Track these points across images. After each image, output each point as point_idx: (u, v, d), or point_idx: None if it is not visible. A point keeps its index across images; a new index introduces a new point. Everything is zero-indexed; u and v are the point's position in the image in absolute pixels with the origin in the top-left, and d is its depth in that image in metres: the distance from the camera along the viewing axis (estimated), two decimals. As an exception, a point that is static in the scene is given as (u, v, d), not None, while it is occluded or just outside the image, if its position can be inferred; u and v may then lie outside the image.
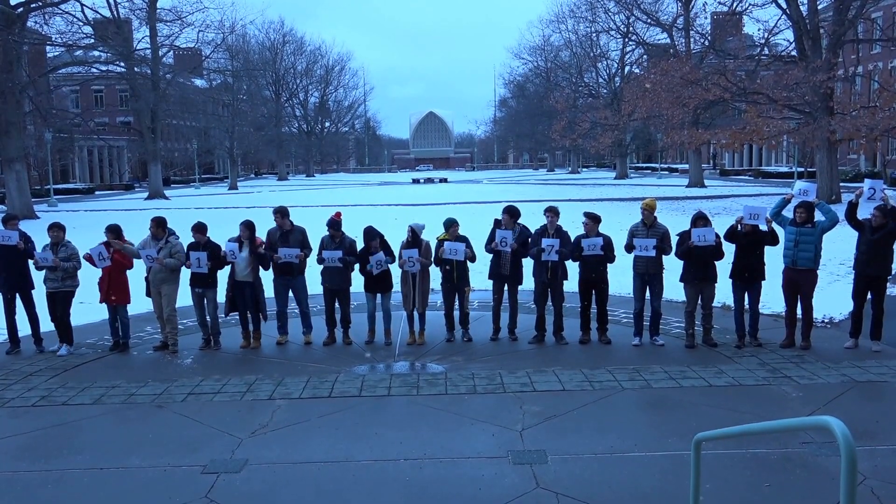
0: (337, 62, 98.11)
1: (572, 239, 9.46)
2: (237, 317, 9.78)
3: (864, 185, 9.14)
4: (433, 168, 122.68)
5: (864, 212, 9.06)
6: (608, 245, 9.28)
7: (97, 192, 60.97)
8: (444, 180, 74.96)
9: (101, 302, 9.62)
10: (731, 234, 9.10)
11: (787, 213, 9.28)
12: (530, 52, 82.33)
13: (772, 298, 9.92)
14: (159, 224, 9.53)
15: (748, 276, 9.05)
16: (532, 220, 9.68)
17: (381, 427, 6.70)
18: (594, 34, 62.14)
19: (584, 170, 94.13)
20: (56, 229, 9.59)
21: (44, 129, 40.62)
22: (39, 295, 9.75)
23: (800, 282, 8.97)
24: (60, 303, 9.47)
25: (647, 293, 9.35)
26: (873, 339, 8.86)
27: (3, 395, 7.87)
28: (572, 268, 9.70)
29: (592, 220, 9.36)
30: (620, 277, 10.92)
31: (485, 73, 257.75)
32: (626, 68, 63.70)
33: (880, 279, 8.84)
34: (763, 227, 9.00)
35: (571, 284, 9.90)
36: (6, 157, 32.47)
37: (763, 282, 9.13)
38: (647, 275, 9.25)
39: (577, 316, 9.74)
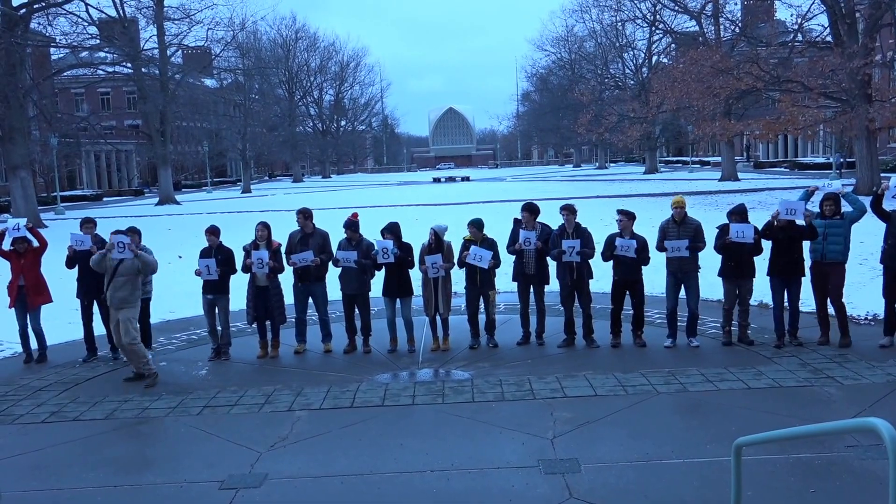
0: (352, 58, 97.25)
1: (605, 237, 9.14)
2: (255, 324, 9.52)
3: (890, 181, 8.60)
4: (455, 166, 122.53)
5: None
6: (643, 247, 8.95)
7: (105, 199, 59.06)
8: (466, 179, 74.67)
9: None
10: (768, 230, 8.80)
11: (811, 206, 8.94)
12: (553, 43, 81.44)
13: (811, 296, 9.55)
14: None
15: (787, 272, 8.72)
16: (558, 219, 9.38)
17: (406, 437, 6.51)
18: (619, 23, 61.17)
19: (611, 165, 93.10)
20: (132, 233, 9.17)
21: (49, 134, 39.87)
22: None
23: (829, 276, 8.66)
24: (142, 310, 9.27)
25: (682, 292, 9.04)
26: None
27: (13, 412, 7.70)
28: (599, 267, 9.37)
29: (627, 217, 9.04)
30: (653, 276, 10.61)
31: (506, 65, 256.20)
32: (654, 58, 62.69)
33: None
34: (800, 222, 8.64)
35: (600, 284, 9.59)
36: (11, 164, 31.89)
37: (803, 278, 8.80)
38: (681, 273, 8.95)
39: (607, 317, 9.42)
